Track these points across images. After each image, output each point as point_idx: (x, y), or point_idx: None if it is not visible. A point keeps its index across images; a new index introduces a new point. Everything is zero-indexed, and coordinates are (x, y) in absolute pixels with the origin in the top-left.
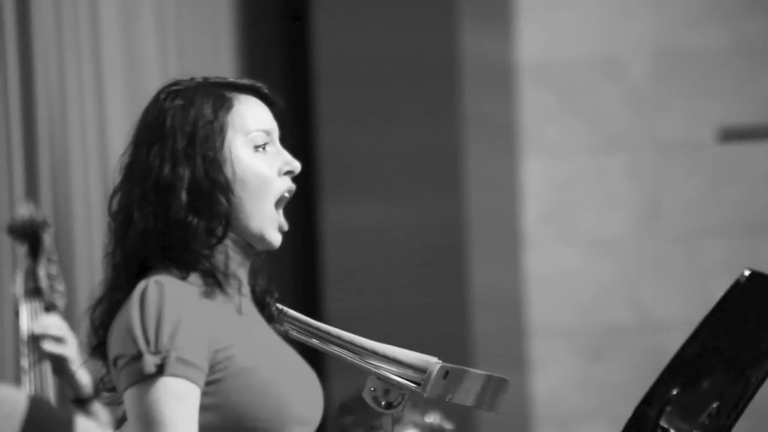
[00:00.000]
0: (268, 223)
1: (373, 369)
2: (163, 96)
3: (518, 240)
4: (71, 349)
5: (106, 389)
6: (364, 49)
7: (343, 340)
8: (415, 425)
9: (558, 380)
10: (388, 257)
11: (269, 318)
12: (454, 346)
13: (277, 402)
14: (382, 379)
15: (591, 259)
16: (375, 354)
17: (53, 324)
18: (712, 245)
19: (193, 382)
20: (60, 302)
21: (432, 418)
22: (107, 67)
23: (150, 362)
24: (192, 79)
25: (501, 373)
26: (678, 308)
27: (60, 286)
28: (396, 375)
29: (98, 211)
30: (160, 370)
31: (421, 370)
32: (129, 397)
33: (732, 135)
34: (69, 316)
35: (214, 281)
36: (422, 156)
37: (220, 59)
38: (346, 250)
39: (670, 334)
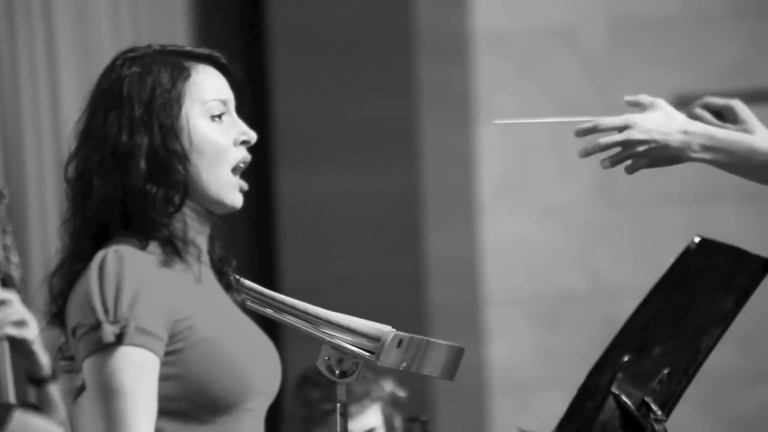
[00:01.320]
0: (227, 187)
1: (327, 338)
2: (119, 63)
3: (473, 208)
4: (31, 332)
5: (64, 358)
6: (319, 18)
7: (298, 310)
8: (378, 401)
9: (514, 348)
10: (344, 226)
11: (227, 287)
12: (410, 315)
13: (238, 372)
14: (336, 348)
15: (546, 227)
16: (329, 323)
17: (14, 309)
18: (666, 212)
19: (153, 351)
20: (15, 273)
21: (386, 387)
22: (59, 36)
23: (109, 331)
24: (149, 46)
25: (457, 341)
26: (633, 275)
27: (15, 258)
28: (350, 344)
29: (51, 180)
30: (119, 339)
31: (375, 338)
32: (88, 366)
33: (687, 103)
34: (24, 287)
35: (173, 249)
36: (377, 125)
37: (175, 30)
38: (301, 220)
39: (625, 301)
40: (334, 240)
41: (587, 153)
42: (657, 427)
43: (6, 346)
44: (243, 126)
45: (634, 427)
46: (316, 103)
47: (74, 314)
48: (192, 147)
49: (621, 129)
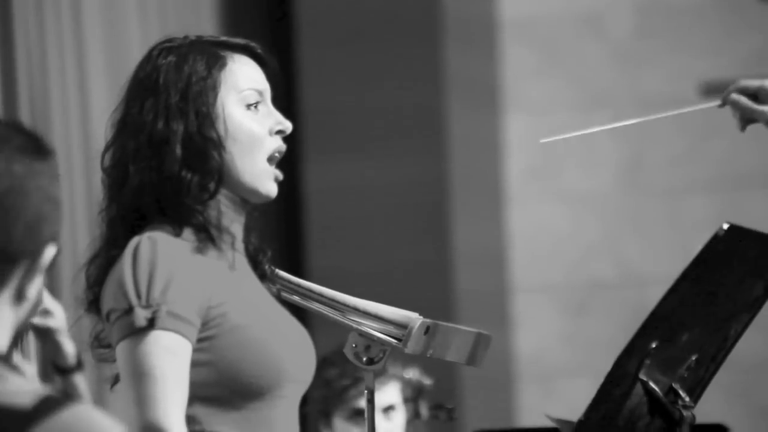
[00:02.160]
0: (262, 176)
1: (355, 325)
2: (156, 53)
3: (501, 197)
4: (58, 321)
5: (101, 346)
6: (346, 7)
7: (325, 297)
8: (397, 379)
9: (541, 336)
10: (371, 216)
11: (262, 276)
12: (438, 303)
13: (270, 359)
14: (363, 335)
15: (574, 216)
16: (356, 310)
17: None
18: (694, 200)
19: (185, 336)
20: None
21: (411, 374)
22: (88, 31)
23: (141, 316)
24: (185, 37)
25: (484, 329)
26: (661, 263)
27: None
28: (377, 331)
29: (79, 172)
30: (151, 323)
31: (402, 325)
32: (120, 350)
33: (714, 90)
34: (52, 275)
35: (207, 236)
36: (405, 114)
37: (201, 20)
38: (329, 209)
39: (653, 289)
40: (362, 228)
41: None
42: (685, 413)
43: (30, 334)
44: (278, 116)
45: (661, 414)
46: (344, 92)
47: (108, 300)
48: (227, 134)
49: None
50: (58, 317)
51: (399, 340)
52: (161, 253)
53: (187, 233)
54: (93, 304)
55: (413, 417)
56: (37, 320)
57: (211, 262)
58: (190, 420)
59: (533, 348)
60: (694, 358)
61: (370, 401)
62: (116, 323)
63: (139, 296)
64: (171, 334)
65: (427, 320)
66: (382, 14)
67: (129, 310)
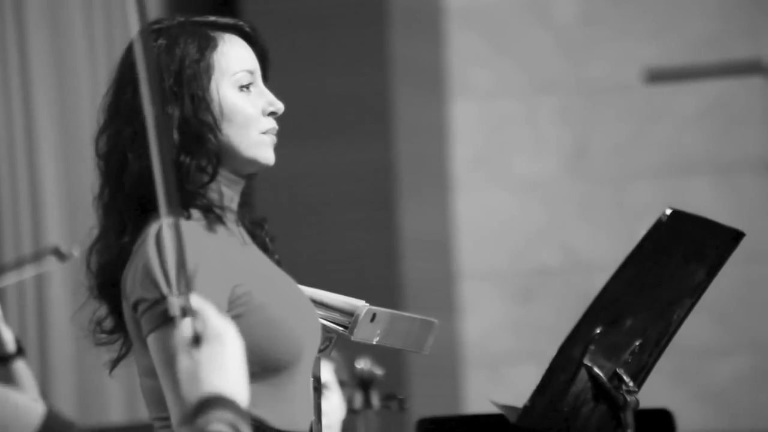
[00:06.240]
0: (259, 144)
1: None
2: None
3: (447, 184)
4: None
5: (102, 331)
6: None
7: None
8: (329, 359)
9: (488, 322)
10: (318, 202)
11: (263, 248)
12: (385, 290)
13: (293, 335)
14: None
15: (520, 202)
16: None
17: None
18: (639, 186)
19: None
20: None
21: (362, 364)
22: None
23: (174, 304)
24: (174, 17)
25: (431, 316)
26: (606, 249)
27: None
28: (323, 318)
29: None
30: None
31: (349, 313)
32: (153, 340)
33: (658, 76)
34: None
35: (215, 216)
36: (351, 101)
37: (148, 10)
38: (276, 196)
39: (599, 275)
40: (309, 216)
41: None
42: (629, 398)
43: None
44: (270, 96)
45: (606, 399)
46: (290, 80)
47: (134, 289)
48: (223, 117)
49: None
50: None
51: (345, 327)
52: (185, 239)
53: (195, 214)
54: (100, 290)
55: (364, 407)
56: None
57: (227, 240)
58: None
59: (480, 334)
60: (637, 343)
61: (317, 389)
62: (147, 313)
63: (169, 285)
64: None
65: (373, 308)
66: (328, 1)
67: (160, 300)
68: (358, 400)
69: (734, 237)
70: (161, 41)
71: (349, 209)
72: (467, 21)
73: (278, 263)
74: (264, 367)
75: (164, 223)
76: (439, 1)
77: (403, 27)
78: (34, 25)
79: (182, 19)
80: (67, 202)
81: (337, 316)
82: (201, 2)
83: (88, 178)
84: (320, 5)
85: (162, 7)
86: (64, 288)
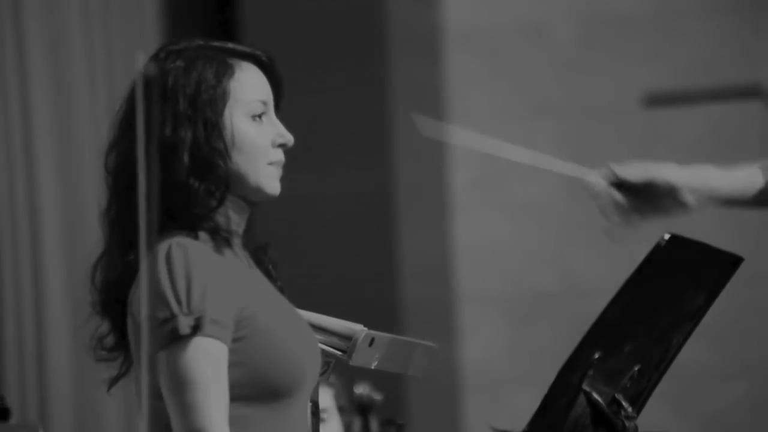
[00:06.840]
0: (266, 175)
1: None
2: (163, 55)
3: (446, 207)
4: None
5: (103, 348)
6: (289, 16)
7: None
8: (328, 385)
9: (486, 346)
10: (317, 225)
11: (267, 275)
12: (383, 313)
13: (296, 361)
14: None
15: (518, 226)
16: None
17: None
18: None
19: (223, 341)
20: None
21: (361, 390)
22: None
23: (185, 323)
24: (192, 40)
25: (430, 340)
26: (605, 273)
27: None
28: (322, 343)
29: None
30: (195, 330)
31: (347, 337)
32: (162, 359)
33: (657, 100)
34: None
35: (222, 239)
36: (349, 124)
37: (144, 29)
38: (274, 219)
39: (598, 299)
40: (307, 239)
41: None
42: (628, 423)
43: None
44: (281, 128)
45: (605, 424)
46: (288, 102)
47: (143, 307)
48: (233, 145)
49: None
50: None
51: (344, 351)
52: (193, 258)
53: (203, 236)
54: (104, 306)
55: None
56: None
57: (234, 262)
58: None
59: (479, 358)
60: (636, 368)
61: (315, 413)
62: (155, 331)
63: (179, 303)
64: (212, 340)
65: (372, 332)
66: (326, 23)
67: (170, 318)
68: (357, 425)
69: (733, 262)
70: (179, 63)
71: (348, 232)
72: (466, 44)
73: (281, 290)
74: (264, 390)
75: (174, 242)
76: (438, 24)
77: (401, 50)
78: (32, 35)
79: (201, 42)
80: (66, 212)
81: (335, 340)
82: (200, 23)
83: (89, 191)
84: (317, 27)
85: (160, 27)
86: (64, 306)
